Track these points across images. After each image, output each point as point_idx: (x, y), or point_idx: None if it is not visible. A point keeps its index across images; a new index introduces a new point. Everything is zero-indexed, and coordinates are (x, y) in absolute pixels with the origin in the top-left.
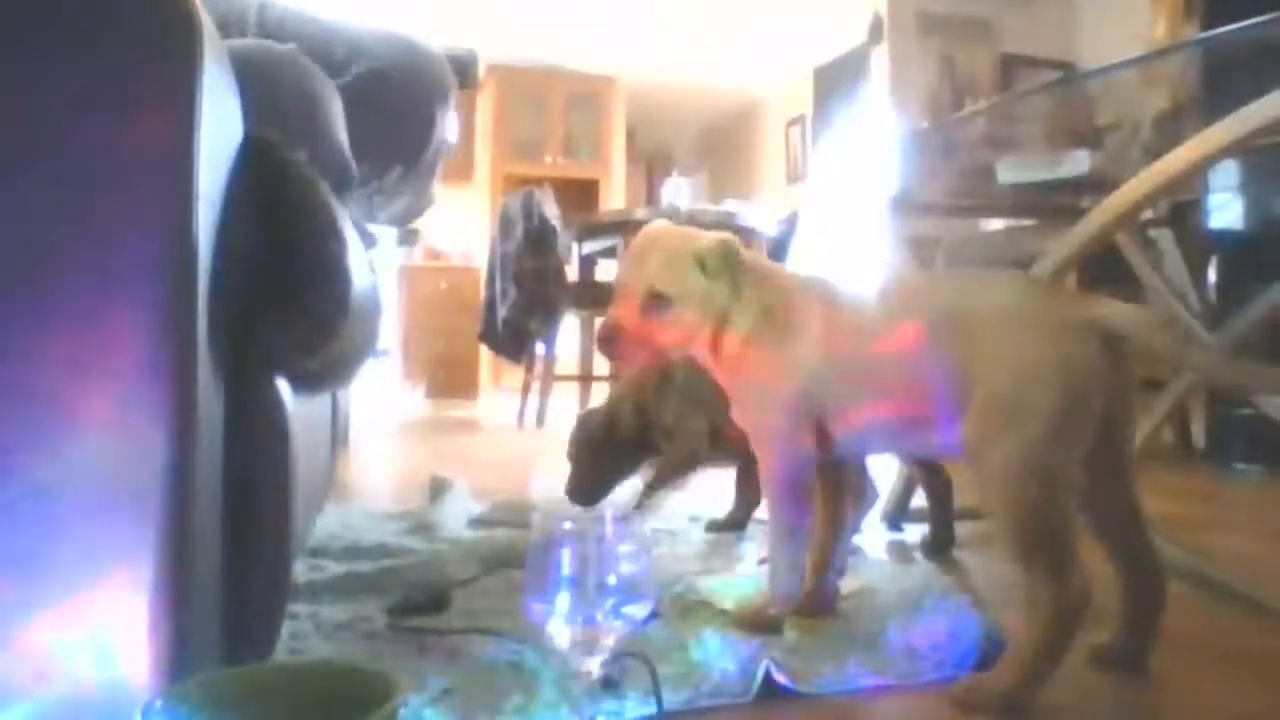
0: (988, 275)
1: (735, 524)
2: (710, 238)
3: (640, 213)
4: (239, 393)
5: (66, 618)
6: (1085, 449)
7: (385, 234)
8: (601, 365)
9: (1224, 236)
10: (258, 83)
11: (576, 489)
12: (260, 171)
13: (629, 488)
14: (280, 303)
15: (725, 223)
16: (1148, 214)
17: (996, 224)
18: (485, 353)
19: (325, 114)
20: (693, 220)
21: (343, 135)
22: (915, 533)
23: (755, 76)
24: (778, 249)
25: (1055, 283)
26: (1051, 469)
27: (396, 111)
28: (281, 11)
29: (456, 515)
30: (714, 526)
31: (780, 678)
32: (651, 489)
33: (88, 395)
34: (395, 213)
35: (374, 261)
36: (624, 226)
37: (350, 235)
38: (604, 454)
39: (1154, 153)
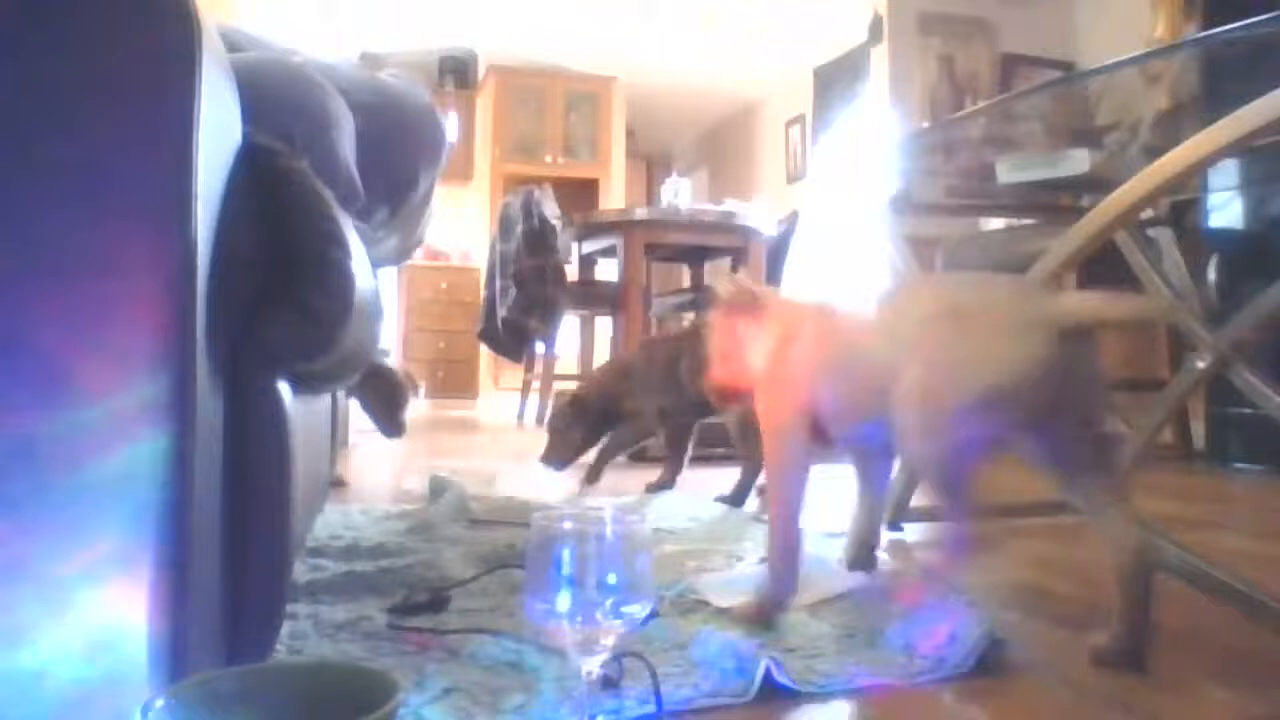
0: (965, 279)
1: (662, 485)
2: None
3: (640, 212)
4: (239, 393)
5: (66, 617)
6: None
7: None
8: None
9: (1224, 236)
10: (262, 91)
11: (552, 456)
12: (261, 175)
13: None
14: (283, 308)
15: (725, 223)
16: (1148, 213)
17: (996, 224)
18: (485, 353)
19: (331, 126)
20: (694, 219)
21: (347, 149)
22: (915, 533)
23: (755, 76)
24: (778, 249)
25: (1035, 281)
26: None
27: (376, 163)
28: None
29: (456, 515)
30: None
31: (780, 678)
32: (602, 459)
33: (87, 395)
34: (384, 254)
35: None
36: (623, 226)
37: (353, 239)
38: (576, 428)
39: (1154, 153)
